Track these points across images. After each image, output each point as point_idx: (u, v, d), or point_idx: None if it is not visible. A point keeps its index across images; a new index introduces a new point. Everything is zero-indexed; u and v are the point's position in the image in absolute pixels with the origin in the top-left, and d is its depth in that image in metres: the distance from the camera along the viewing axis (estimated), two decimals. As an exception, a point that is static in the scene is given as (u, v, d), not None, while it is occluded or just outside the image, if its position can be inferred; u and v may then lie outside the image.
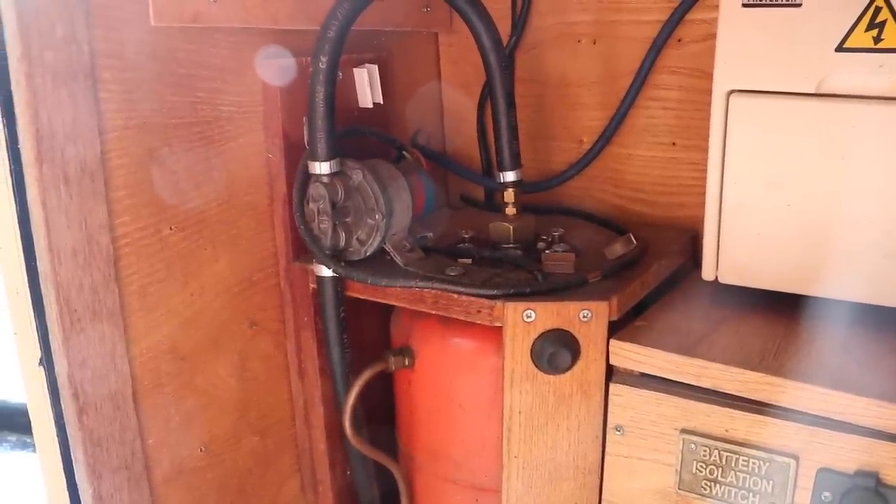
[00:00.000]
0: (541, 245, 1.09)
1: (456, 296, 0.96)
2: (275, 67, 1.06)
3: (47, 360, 0.88)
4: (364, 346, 1.11)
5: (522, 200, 1.13)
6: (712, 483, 0.90)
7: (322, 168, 1.00)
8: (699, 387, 0.89)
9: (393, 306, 1.10)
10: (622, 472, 0.96)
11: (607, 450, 0.96)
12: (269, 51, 1.06)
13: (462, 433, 1.06)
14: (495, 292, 0.94)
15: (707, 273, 1.02)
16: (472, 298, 0.95)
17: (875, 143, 0.89)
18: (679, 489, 0.92)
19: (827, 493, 0.84)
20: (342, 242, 1.02)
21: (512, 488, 1.00)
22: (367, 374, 1.04)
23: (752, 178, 0.96)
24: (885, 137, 0.88)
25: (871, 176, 0.90)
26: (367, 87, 1.16)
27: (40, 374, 0.89)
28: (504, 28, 1.30)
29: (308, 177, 1.01)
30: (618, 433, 0.95)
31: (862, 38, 0.89)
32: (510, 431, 0.97)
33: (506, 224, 1.09)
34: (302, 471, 1.19)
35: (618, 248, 1.05)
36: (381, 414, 1.18)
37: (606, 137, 1.27)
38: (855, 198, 0.91)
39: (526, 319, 0.92)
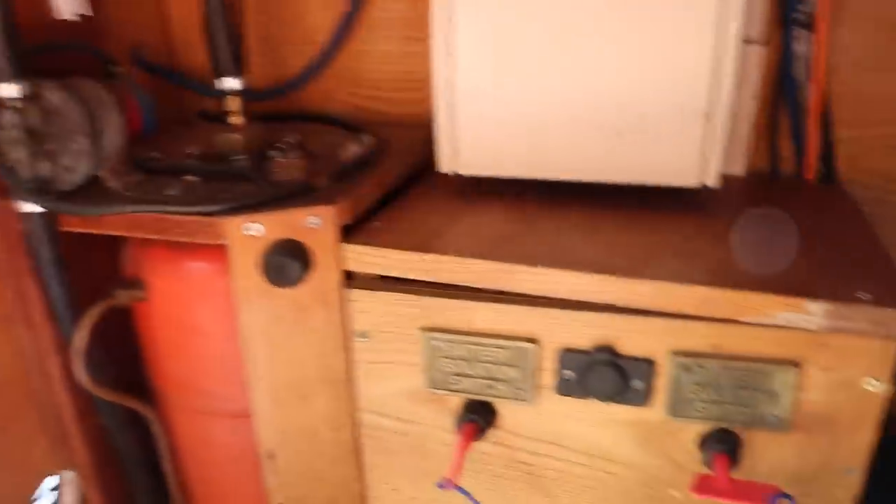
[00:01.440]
0: (275, 154, 1.02)
1: (174, 217, 0.89)
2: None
3: None
4: (99, 285, 1.01)
5: (260, 108, 1.05)
6: (461, 377, 0.89)
7: (10, 91, 0.88)
8: (438, 283, 0.86)
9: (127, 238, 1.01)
10: (373, 377, 0.93)
11: (355, 357, 0.93)
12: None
13: (208, 362, 1.00)
14: (214, 208, 0.87)
15: (445, 165, 1.00)
16: (191, 217, 0.88)
17: (590, 21, 0.88)
18: (430, 387, 0.90)
19: (568, 371, 0.85)
20: (46, 173, 0.92)
21: (263, 410, 0.95)
22: (93, 314, 0.95)
23: (480, 64, 0.94)
24: (598, 15, 0.87)
25: (589, 53, 0.89)
26: (65, -4, 1.04)
27: None
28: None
29: (-5, 102, 0.90)
30: (363, 340, 0.91)
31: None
32: (252, 352, 0.92)
33: (232, 135, 1.02)
34: (48, 427, 1.09)
35: (351, 150, 1.00)
36: (129, 353, 1.10)
37: (339, 35, 1.21)
38: (577, 76, 0.90)
39: (249, 233, 0.86)
